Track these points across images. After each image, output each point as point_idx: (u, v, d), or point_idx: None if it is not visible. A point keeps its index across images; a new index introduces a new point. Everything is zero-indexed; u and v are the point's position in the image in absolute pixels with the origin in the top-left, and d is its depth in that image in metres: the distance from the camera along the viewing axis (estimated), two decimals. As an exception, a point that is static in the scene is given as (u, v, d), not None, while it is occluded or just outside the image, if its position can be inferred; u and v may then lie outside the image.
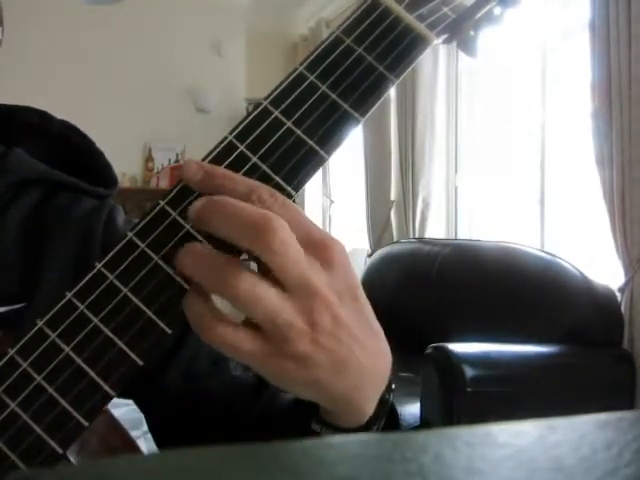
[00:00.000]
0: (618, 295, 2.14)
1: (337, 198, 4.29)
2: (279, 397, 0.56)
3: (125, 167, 4.37)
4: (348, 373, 0.36)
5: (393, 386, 0.43)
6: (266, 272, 0.35)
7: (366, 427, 0.41)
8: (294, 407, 0.51)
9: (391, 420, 0.45)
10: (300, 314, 0.34)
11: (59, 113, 0.64)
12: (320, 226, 0.38)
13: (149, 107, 4.48)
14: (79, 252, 0.56)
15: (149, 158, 4.61)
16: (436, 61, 3.23)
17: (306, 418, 0.43)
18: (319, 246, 0.36)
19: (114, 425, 0.41)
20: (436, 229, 3.33)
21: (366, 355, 0.37)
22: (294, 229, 0.35)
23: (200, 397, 0.55)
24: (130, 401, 0.56)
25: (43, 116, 0.62)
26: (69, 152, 0.62)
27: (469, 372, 1.75)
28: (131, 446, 0.42)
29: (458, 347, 1.81)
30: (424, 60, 3.26)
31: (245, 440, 0.49)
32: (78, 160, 0.62)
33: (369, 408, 0.40)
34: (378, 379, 0.40)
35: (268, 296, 0.34)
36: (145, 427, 0.59)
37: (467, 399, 1.74)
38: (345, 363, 0.36)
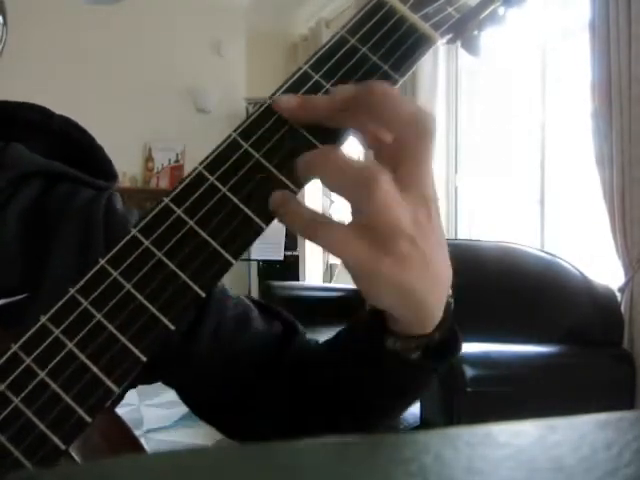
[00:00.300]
0: (618, 295, 2.14)
1: (337, 198, 4.28)
2: (307, 344, 0.59)
3: (125, 167, 4.37)
4: (430, 275, 0.39)
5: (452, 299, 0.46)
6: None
7: (433, 333, 0.44)
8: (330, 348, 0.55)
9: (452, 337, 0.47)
10: (406, 215, 0.37)
11: (59, 113, 0.64)
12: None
13: (149, 107, 4.48)
14: (82, 240, 0.57)
15: (149, 158, 4.61)
16: (436, 61, 3.23)
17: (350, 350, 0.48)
18: None
19: (117, 422, 0.41)
20: (436, 229, 3.33)
21: (442, 262, 0.40)
22: None
23: (231, 357, 0.58)
24: (131, 401, 0.56)
25: (44, 113, 0.63)
26: (70, 148, 0.63)
27: (469, 372, 1.74)
28: (133, 443, 0.42)
29: (458, 347, 1.81)
30: (424, 60, 3.24)
31: (279, 390, 0.49)
32: (79, 156, 0.63)
33: (439, 312, 0.43)
34: (446, 286, 0.42)
35: (398, 200, 0.37)
36: (145, 427, 0.59)
37: (467, 399, 1.74)
38: (430, 265, 0.39)
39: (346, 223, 0.38)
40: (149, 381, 0.58)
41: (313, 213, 0.38)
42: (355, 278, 0.38)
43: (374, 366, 0.47)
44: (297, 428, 0.57)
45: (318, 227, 0.38)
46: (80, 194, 0.60)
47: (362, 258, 0.37)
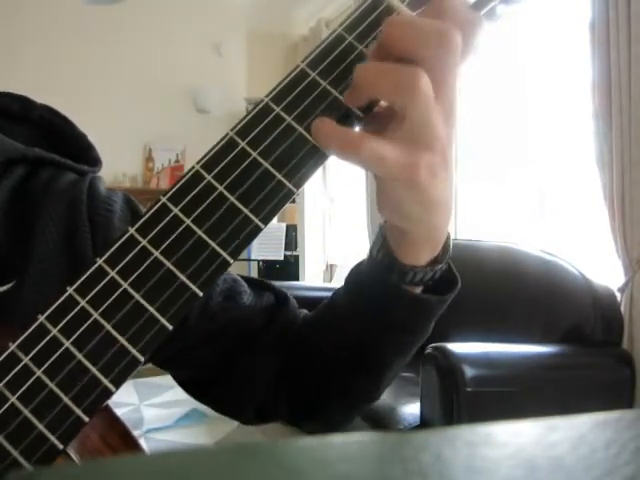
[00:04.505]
0: (618, 295, 2.14)
1: (337, 198, 4.29)
2: (294, 315, 0.61)
3: (125, 167, 4.37)
4: (449, 186, 0.40)
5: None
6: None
7: (438, 262, 0.46)
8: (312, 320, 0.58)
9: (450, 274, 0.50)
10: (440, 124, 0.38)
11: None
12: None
13: (149, 107, 4.48)
14: (65, 223, 0.57)
15: (149, 158, 4.61)
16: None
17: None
18: None
19: (115, 422, 0.41)
20: (436, 229, 3.32)
21: (450, 185, 0.41)
22: None
23: (218, 330, 0.59)
24: (131, 401, 0.56)
25: (24, 102, 0.63)
26: (52, 136, 0.63)
27: (469, 372, 1.74)
28: (132, 443, 0.42)
29: (458, 347, 1.81)
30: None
31: (266, 360, 0.54)
32: (61, 143, 0.63)
33: (443, 235, 0.45)
34: (449, 210, 0.44)
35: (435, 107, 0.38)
36: (145, 427, 0.60)
37: (467, 399, 1.74)
38: (450, 175, 0.40)
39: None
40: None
41: (347, 130, 0.38)
42: (386, 188, 0.40)
43: (376, 303, 0.48)
44: (288, 399, 0.58)
45: (356, 141, 0.37)
46: (63, 177, 0.60)
47: (399, 163, 0.37)
